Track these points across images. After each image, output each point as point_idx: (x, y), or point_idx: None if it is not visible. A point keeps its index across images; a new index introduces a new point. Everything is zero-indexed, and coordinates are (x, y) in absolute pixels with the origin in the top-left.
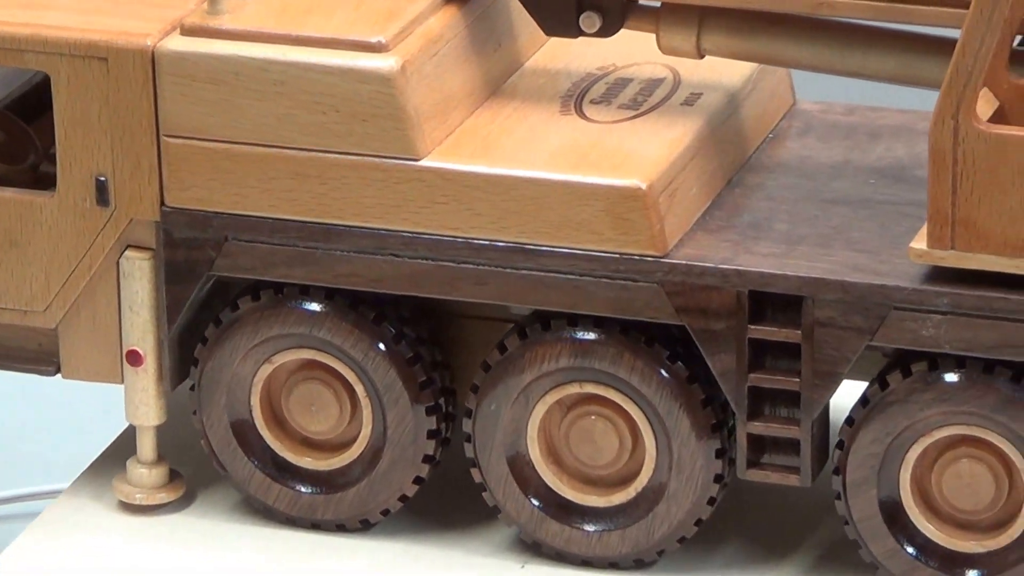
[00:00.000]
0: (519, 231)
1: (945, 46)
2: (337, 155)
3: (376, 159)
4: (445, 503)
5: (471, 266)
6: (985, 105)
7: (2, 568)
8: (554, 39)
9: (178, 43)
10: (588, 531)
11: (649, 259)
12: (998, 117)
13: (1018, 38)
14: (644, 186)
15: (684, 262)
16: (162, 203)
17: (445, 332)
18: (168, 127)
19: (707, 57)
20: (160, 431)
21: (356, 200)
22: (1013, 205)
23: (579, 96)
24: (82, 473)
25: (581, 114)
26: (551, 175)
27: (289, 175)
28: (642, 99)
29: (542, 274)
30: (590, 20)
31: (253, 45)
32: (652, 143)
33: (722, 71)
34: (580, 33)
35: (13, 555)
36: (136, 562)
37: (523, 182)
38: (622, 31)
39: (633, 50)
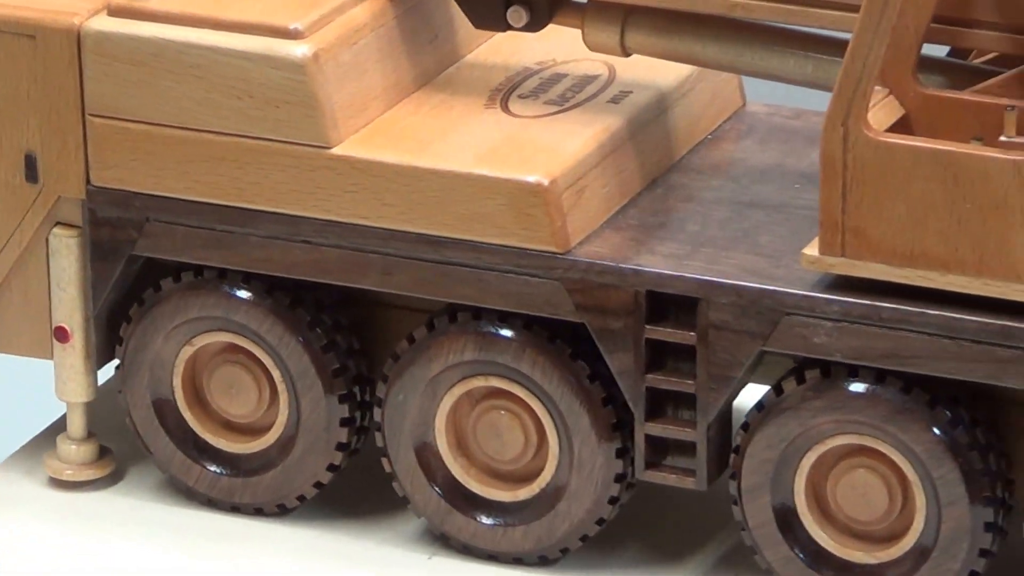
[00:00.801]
0: (426, 222)
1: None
2: (252, 140)
3: (289, 145)
4: (362, 491)
5: (379, 255)
6: (890, 113)
7: None
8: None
9: (103, 23)
10: (493, 525)
11: (550, 255)
12: (903, 125)
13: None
14: (546, 182)
15: (584, 260)
16: (88, 182)
17: (366, 320)
18: (92, 106)
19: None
20: (95, 408)
21: (270, 185)
22: (900, 214)
23: (509, 91)
24: (19, 449)
25: (505, 108)
26: (456, 168)
27: (206, 158)
28: (570, 95)
29: (447, 266)
30: (517, 14)
31: (174, 28)
32: (566, 139)
33: (660, 70)
34: (508, 27)
35: None
36: (57, 539)
37: (429, 174)
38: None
39: (577, 46)
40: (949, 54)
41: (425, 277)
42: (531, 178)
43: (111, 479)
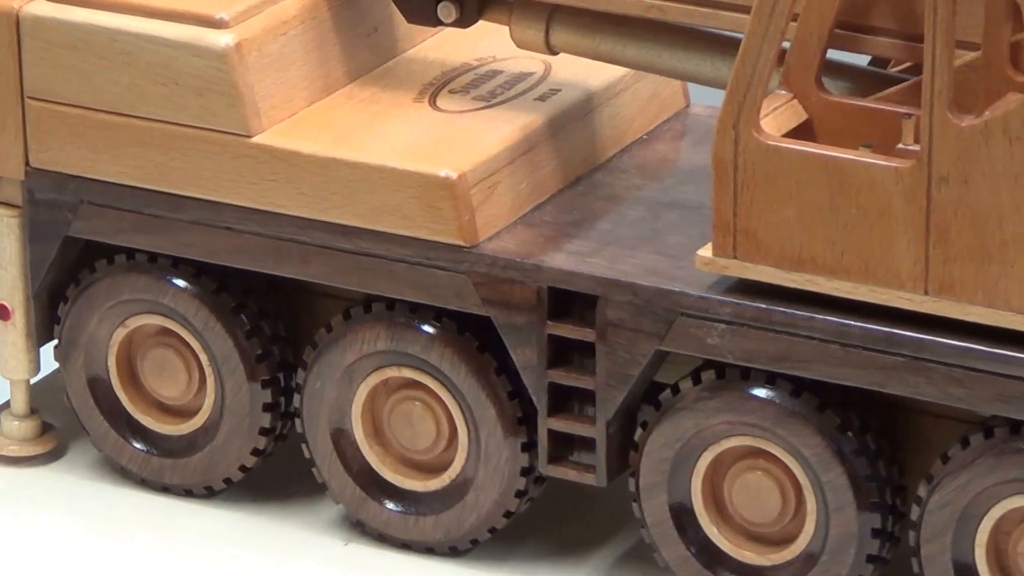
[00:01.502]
0: (340, 212)
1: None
2: (177, 127)
3: (212, 133)
4: (290, 475)
5: (297, 244)
6: (793, 117)
7: None
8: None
9: (40, 8)
10: (405, 514)
11: (457, 249)
12: (806, 130)
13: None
14: (455, 176)
15: (490, 254)
16: (27, 163)
17: (293, 308)
18: (31, 89)
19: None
20: (42, 386)
21: (195, 172)
22: (789, 218)
23: (440, 86)
24: None
25: (432, 103)
26: (369, 160)
27: (135, 143)
28: (500, 92)
29: (361, 256)
30: (447, 10)
31: (106, 14)
32: (483, 136)
33: (596, 69)
34: (439, 23)
35: None
36: None
37: (343, 165)
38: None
39: None
40: (871, 63)
41: (341, 267)
42: (441, 172)
43: (53, 455)
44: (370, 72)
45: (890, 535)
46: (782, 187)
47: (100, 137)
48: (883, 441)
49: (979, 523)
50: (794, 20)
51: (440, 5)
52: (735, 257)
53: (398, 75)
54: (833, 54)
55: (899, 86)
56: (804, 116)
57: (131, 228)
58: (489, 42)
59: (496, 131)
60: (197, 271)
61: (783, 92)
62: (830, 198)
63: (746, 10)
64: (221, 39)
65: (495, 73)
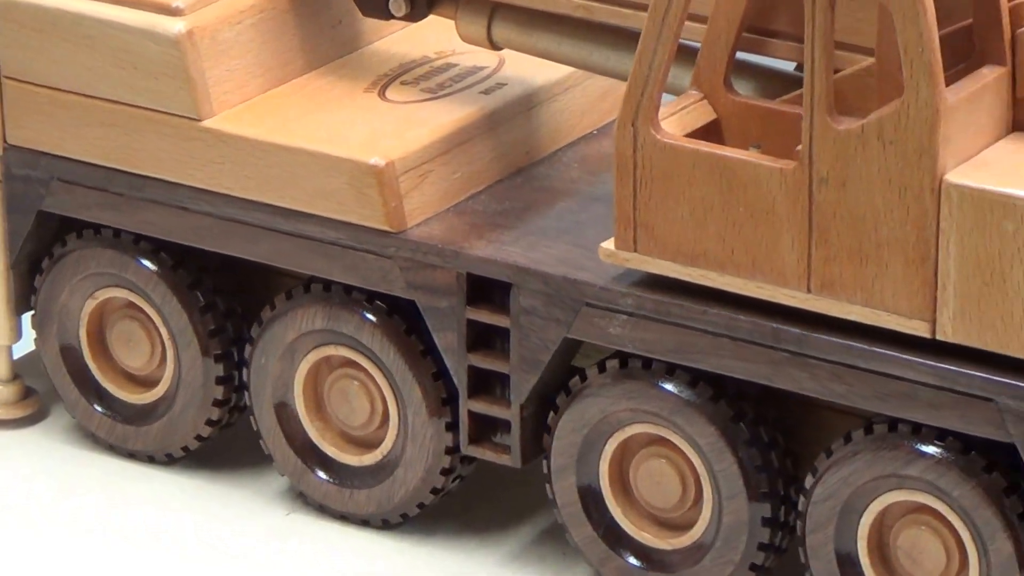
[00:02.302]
0: (279, 196)
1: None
2: (136, 109)
3: (166, 116)
4: (243, 445)
5: (243, 224)
6: (701, 117)
7: None
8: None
9: None
10: (341, 487)
11: (384, 234)
12: (715, 130)
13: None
14: (382, 164)
15: (414, 240)
16: (4, 140)
17: (248, 285)
18: (7, 69)
19: None
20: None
21: (152, 152)
22: (684, 214)
23: (394, 78)
24: None
25: (381, 94)
26: (305, 146)
27: (99, 124)
28: (449, 85)
29: (300, 239)
30: (397, 4)
31: (80, 1)
32: (422, 126)
33: (547, 66)
34: (391, 16)
35: None
36: None
37: (282, 150)
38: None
39: None
40: (798, 68)
41: (281, 248)
42: (371, 160)
43: (33, 418)
44: (331, 63)
45: (783, 524)
46: (677, 184)
47: (68, 117)
48: (777, 433)
49: (860, 516)
50: (703, 23)
51: (391, 0)
52: (636, 251)
53: (357, 66)
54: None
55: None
56: (713, 116)
57: (96, 205)
58: (453, 36)
59: (433, 122)
60: (156, 248)
61: (694, 92)
62: (720, 196)
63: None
64: (174, 26)
65: (449, 67)
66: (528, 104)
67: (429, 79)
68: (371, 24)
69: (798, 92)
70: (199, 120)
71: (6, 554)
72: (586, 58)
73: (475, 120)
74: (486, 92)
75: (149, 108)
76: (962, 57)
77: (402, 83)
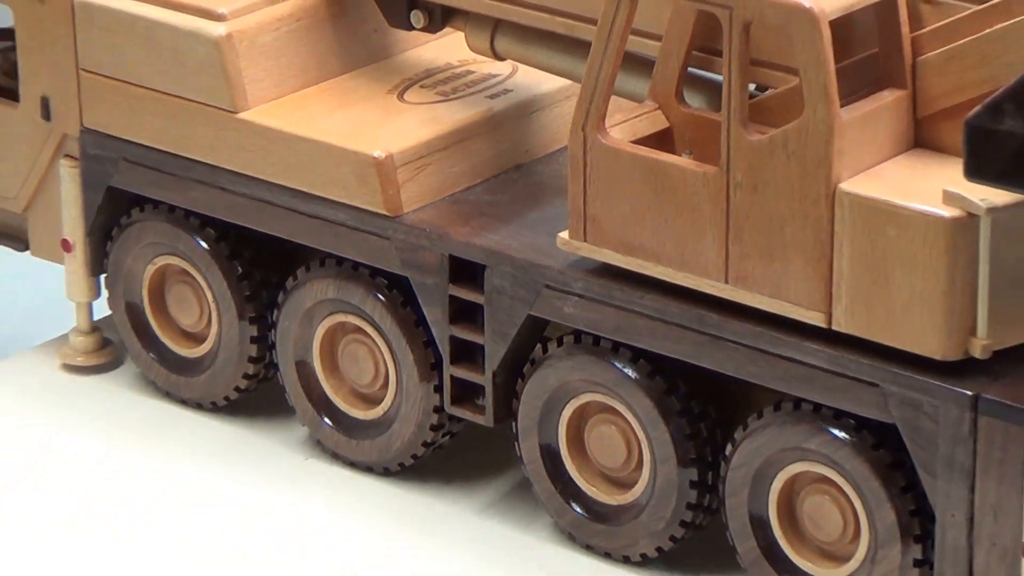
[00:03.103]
0: (299, 180)
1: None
2: (185, 100)
3: (209, 107)
4: (275, 397)
5: (270, 205)
6: (654, 124)
7: None
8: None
9: None
10: (350, 438)
11: (383, 217)
12: (667, 137)
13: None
14: (382, 156)
15: (408, 224)
16: (82, 124)
17: (282, 258)
18: (84, 62)
19: None
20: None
21: (198, 139)
22: (625, 210)
23: (415, 82)
24: (48, 341)
25: (400, 96)
26: (321, 138)
27: (156, 113)
28: (463, 89)
29: (316, 219)
30: (417, 17)
31: (142, 5)
32: (426, 124)
33: (554, 75)
34: (412, 27)
35: None
36: (42, 414)
37: (302, 141)
38: None
39: None
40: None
41: (301, 226)
42: (373, 152)
43: (109, 366)
44: (364, 67)
45: (711, 487)
46: (619, 183)
47: (131, 105)
48: (708, 406)
49: (771, 483)
50: (659, 40)
51: (412, 12)
52: (585, 241)
53: (386, 71)
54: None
55: (771, 94)
56: (665, 125)
57: (154, 183)
58: None
59: (437, 121)
60: (203, 223)
61: (649, 103)
62: (654, 195)
63: (643, 34)
64: (216, 30)
65: (468, 73)
66: (530, 109)
67: (446, 84)
68: (405, 34)
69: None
70: (235, 112)
71: (67, 481)
72: (571, 70)
73: (476, 121)
74: (492, 96)
75: (195, 100)
76: (870, 82)
77: (421, 87)
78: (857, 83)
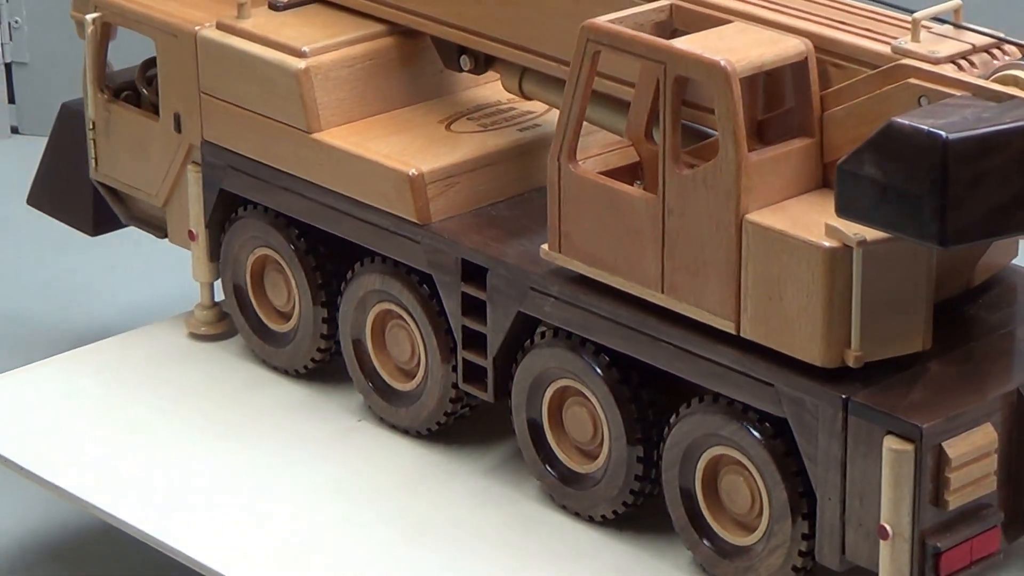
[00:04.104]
0: (355, 190)
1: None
2: (273, 121)
3: (290, 128)
4: (341, 370)
5: (334, 210)
6: (626, 157)
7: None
8: None
9: (208, 32)
10: (390, 405)
11: (414, 225)
12: (635, 169)
13: None
14: (414, 174)
15: (433, 231)
16: (202, 136)
17: (347, 253)
18: (203, 86)
19: None
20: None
21: (282, 153)
22: (589, 229)
23: (464, 114)
24: (180, 314)
25: (448, 126)
26: (371, 157)
27: (255, 130)
28: (500, 122)
29: (366, 223)
30: (464, 61)
31: (242, 40)
32: (459, 149)
33: None
34: (461, 69)
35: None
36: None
37: (357, 158)
38: None
39: None
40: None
41: (356, 229)
42: (409, 171)
43: (227, 335)
44: (425, 101)
45: (654, 463)
46: (584, 205)
47: (235, 123)
48: (654, 395)
49: (696, 462)
50: (632, 87)
51: (461, 57)
52: (560, 252)
53: (444, 105)
54: None
55: (705, 141)
56: (636, 159)
57: (251, 188)
58: None
59: (470, 147)
60: (287, 222)
61: (623, 139)
62: (610, 217)
63: (621, 80)
64: (298, 64)
65: (509, 110)
66: (551, 141)
67: (488, 117)
68: (465, 75)
69: (695, 146)
70: (310, 133)
71: (183, 420)
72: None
73: (503, 148)
74: (522, 129)
75: (281, 121)
76: (792, 131)
77: (468, 119)
78: (781, 131)
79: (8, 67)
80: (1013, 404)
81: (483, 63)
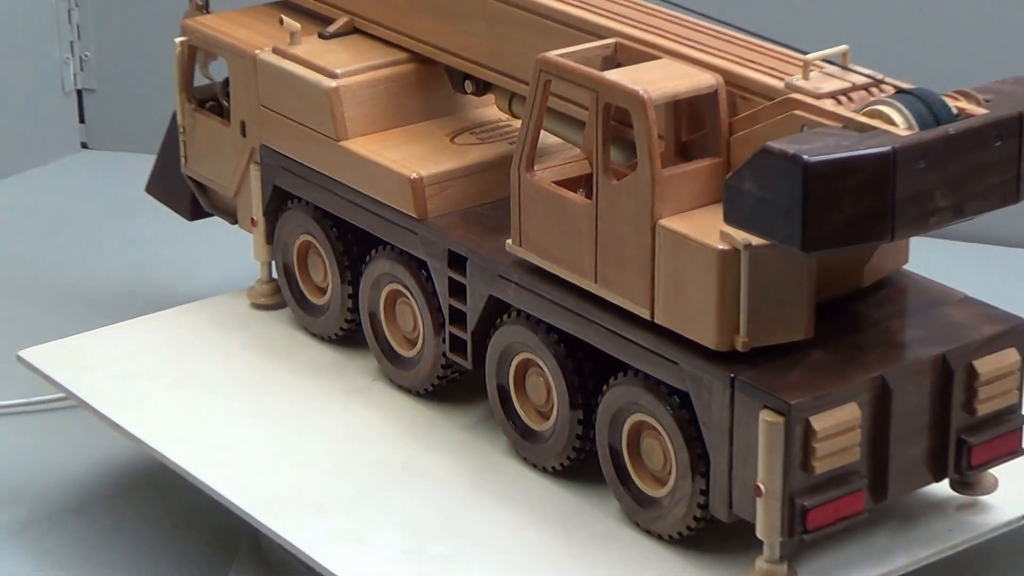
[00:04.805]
0: (371, 189)
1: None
2: (310, 129)
3: (323, 136)
4: (362, 337)
5: (356, 205)
6: (579, 169)
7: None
8: None
9: (266, 55)
10: (397, 368)
11: (414, 219)
12: (588, 181)
13: None
14: (415, 176)
15: (428, 225)
16: (261, 141)
17: (367, 239)
18: (261, 99)
19: None
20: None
21: (316, 155)
22: (541, 227)
23: (468, 129)
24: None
25: (452, 139)
26: (382, 162)
27: (297, 137)
28: (496, 135)
29: (379, 216)
30: (467, 85)
31: (293, 64)
32: (456, 158)
33: None
34: (465, 92)
35: (183, 310)
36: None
37: (372, 163)
38: None
39: None
40: None
41: (372, 221)
42: (411, 175)
43: (280, 306)
44: (439, 117)
45: (588, 424)
46: (537, 208)
47: (284, 130)
48: (597, 367)
49: (622, 425)
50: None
51: (464, 81)
52: (520, 246)
53: (453, 121)
54: None
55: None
56: (589, 170)
57: (295, 184)
58: None
59: (465, 157)
60: (323, 215)
61: (579, 152)
62: (557, 218)
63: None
64: (330, 84)
65: (506, 127)
66: (540, 152)
67: (487, 132)
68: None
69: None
70: (338, 140)
71: (239, 377)
72: (559, 131)
73: (492, 158)
74: (512, 143)
75: (316, 130)
76: (708, 152)
77: (470, 133)
78: (700, 151)
79: (80, 93)
80: (878, 387)
81: (482, 88)
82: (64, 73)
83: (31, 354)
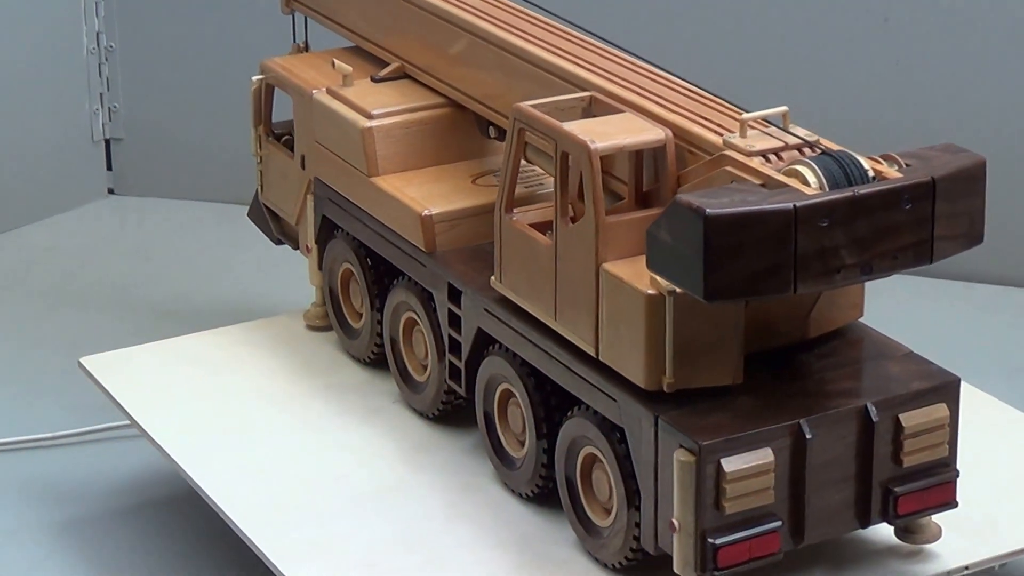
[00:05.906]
0: (393, 223)
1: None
2: (348, 164)
3: (358, 171)
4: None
5: (380, 236)
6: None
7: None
8: None
9: (320, 95)
10: (411, 391)
11: (424, 252)
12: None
13: None
14: (424, 213)
15: (435, 260)
16: (315, 174)
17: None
18: (315, 135)
19: None
20: None
21: (353, 189)
22: (516, 265)
23: (491, 172)
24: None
25: (474, 181)
26: (402, 199)
27: (339, 171)
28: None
29: (398, 248)
30: (491, 130)
31: (340, 104)
32: (470, 199)
33: None
34: (489, 136)
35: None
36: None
37: (394, 199)
38: None
39: None
40: None
41: (393, 253)
42: (423, 212)
43: (331, 328)
44: (468, 159)
45: (550, 436)
46: (513, 247)
47: (331, 165)
48: (562, 400)
49: (576, 456)
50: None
51: (488, 127)
52: (501, 283)
53: (481, 164)
54: None
55: (620, 203)
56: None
57: (339, 215)
58: None
59: (479, 198)
60: (359, 244)
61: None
62: (527, 257)
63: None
64: (366, 123)
65: (527, 169)
66: (549, 197)
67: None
68: None
69: (617, 204)
70: (369, 176)
71: (287, 393)
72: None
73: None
74: (527, 187)
75: (353, 166)
76: (660, 202)
77: (493, 176)
78: (660, 200)
79: (107, 142)
80: (795, 434)
81: (502, 133)
82: (94, 123)
83: (90, 361)
